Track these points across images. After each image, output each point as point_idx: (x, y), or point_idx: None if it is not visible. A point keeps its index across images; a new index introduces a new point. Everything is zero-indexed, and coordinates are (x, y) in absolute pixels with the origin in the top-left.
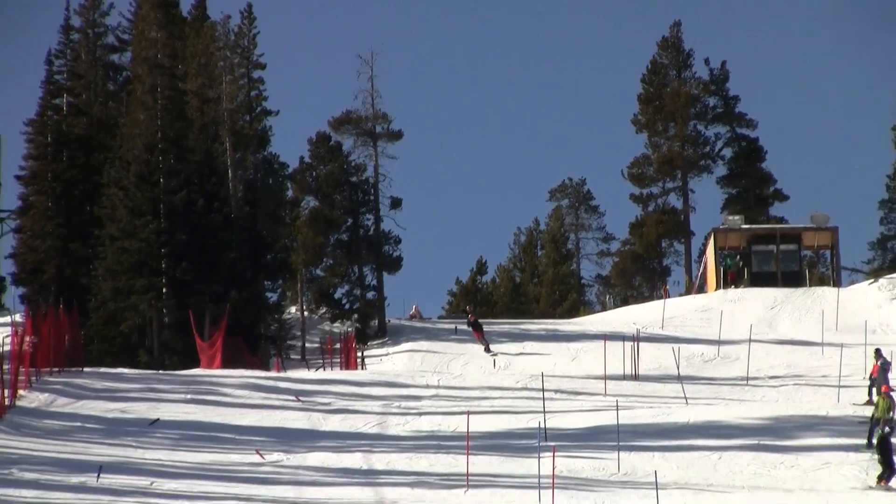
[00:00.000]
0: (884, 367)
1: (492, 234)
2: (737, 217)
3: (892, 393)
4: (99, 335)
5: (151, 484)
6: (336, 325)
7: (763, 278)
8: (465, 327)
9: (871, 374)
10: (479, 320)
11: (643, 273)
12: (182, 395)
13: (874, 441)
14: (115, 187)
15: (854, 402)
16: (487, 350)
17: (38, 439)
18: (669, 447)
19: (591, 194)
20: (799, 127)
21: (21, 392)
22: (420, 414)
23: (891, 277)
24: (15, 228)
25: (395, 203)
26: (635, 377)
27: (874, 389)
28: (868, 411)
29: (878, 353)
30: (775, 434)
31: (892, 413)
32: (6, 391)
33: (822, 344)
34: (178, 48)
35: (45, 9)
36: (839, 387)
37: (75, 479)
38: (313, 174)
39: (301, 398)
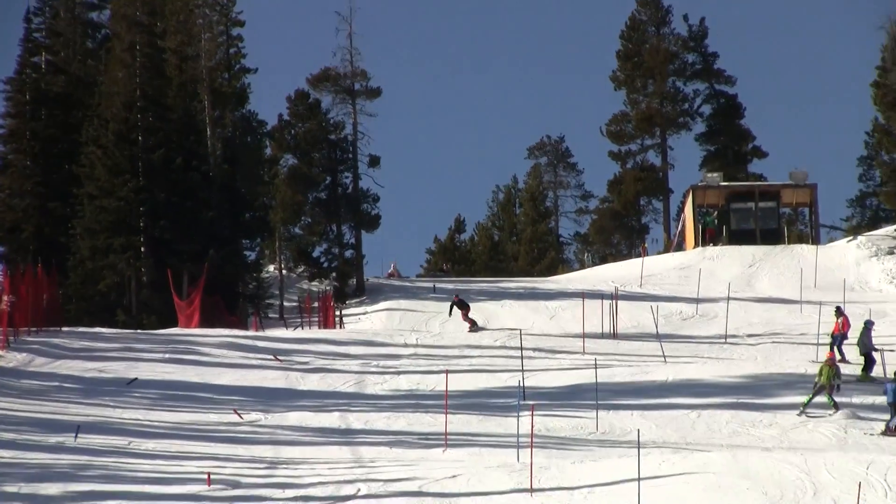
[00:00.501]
0: (867, 327)
1: (470, 193)
2: (715, 174)
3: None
4: (77, 294)
5: (129, 444)
6: (314, 283)
7: (742, 236)
8: (444, 294)
9: (832, 332)
10: (461, 298)
11: (622, 231)
12: (160, 355)
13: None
14: (94, 146)
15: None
16: (473, 328)
17: (15, 399)
18: (648, 406)
19: (569, 152)
20: (778, 84)
21: None
22: (398, 373)
23: (869, 235)
24: None
25: (374, 161)
26: (614, 335)
27: (836, 347)
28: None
29: (838, 310)
30: (754, 392)
31: (836, 380)
32: None
33: (800, 302)
34: (156, 5)
35: None
36: (818, 345)
37: (53, 438)
38: (292, 132)
39: (279, 357)
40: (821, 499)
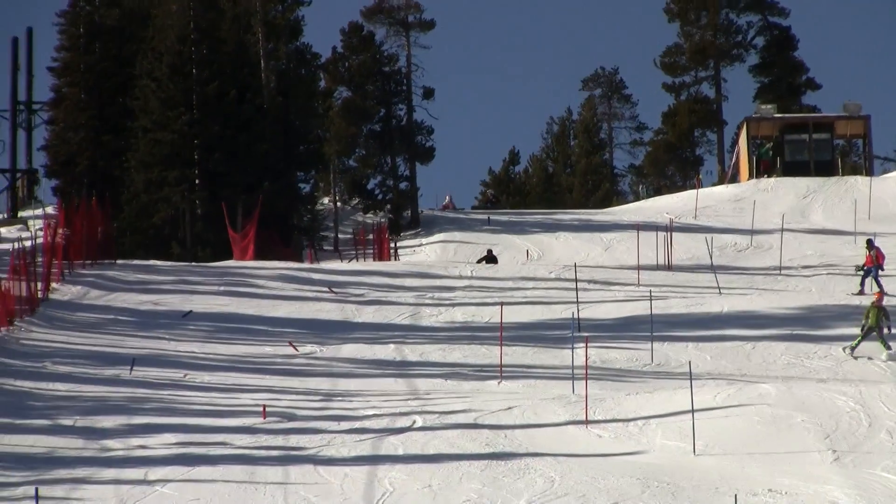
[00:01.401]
0: None
1: (524, 125)
2: (769, 106)
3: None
4: (131, 227)
5: (185, 376)
6: (369, 215)
7: (795, 167)
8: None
9: (863, 265)
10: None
11: (676, 162)
12: (215, 287)
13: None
14: (148, 79)
15: (847, 293)
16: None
17: (71, 332)
18: (703, 337)
19: (623, 84)
20: (831, 15)
21: (54, 285)
22: (453, 305)
23: None
24: (48, 120)
25: (428, 93)
26: (668, 267)
27: (867, 281)
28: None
29: (870, 243)
30: (808, 324)
31: (885, 321)
32: (39, 284)
33: (854, 233)
34: None
35: None
36: (882, 270)
37: (108, 371)
38: (346, 64)
39: (334, 290)
40: (875, 430)
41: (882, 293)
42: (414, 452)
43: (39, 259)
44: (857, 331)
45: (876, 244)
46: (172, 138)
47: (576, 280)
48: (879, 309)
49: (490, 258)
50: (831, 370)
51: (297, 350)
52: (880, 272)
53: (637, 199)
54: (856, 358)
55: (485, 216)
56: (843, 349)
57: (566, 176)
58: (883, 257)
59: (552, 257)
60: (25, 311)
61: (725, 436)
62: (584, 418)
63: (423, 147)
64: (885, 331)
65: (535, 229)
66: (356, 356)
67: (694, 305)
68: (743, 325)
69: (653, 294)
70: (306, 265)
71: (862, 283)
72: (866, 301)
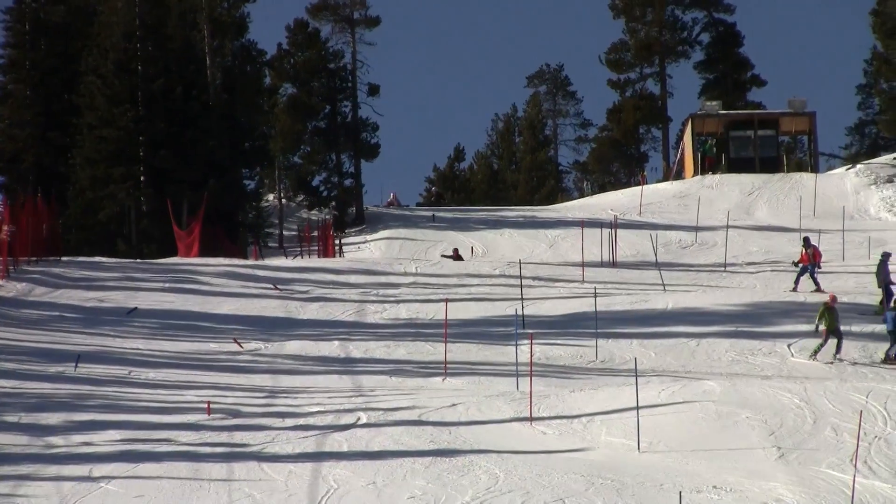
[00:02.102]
0: (884, 259)
1: (469, 121)
2: (714, 103)
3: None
4: (77, 224)
5: (129, 373)
6: (314, 212)
7: (741, 164)
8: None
9: (798, 261)
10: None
11: (621, 159)
12: (160, 284)
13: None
14: (94, 75)
15: (785, 290)
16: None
17: (15, 329)
18: (647, 334)
19: (568, 80)
20: (776, 12)
21: None
22: (398, 301)
23: (868, 163)
24: None
25: (373, 90)
26: (613, 264)
27: (801, 278)
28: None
29: (806, 241)
30: (753, 320)
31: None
32: None
33: (799, 230)
34: None
35: None
36: (820, 270)
37: (53, 368)
38: (291, 61)
39: (279, 286)
40: (820, 427)
41: (819, 290)
42: (358, 449)
43: None
44: (801, 327)
45: (813, 242)
46: (118, 135)
47: (520, 277)
48: (833, 310)
49: (456, 257)
50: (776, 367)
51: (241, 347)
52: (817, 270)
53: (582, 195)
54: (835, 361)
55: (430, 213)
56: (810, 357)
57: (511, 172)
58: (820, 256)
59: (497, 254)
60: None
61: (670, 433)
62: (528, 415)
63: (369, 144)
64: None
65: (480, 226)
66: (301, 353)
67: (638, 302)
68: (688, 321)
69: (597, 291)
70: (251, 262)
71: (797, 280)
72: (811, 298)
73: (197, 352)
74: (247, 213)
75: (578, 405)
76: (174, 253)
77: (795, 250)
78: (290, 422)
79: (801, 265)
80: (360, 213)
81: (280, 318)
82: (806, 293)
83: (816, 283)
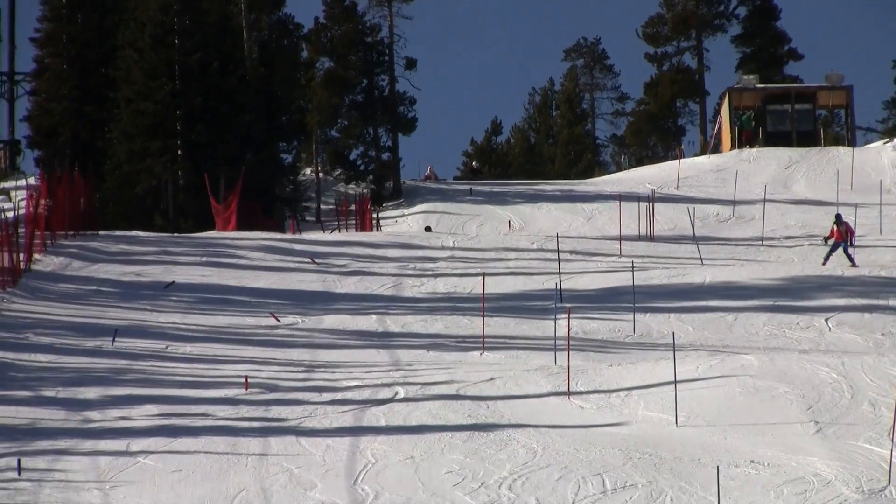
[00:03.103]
0: None
1: (507, 95)
2: (751, 76)
3: None
4: (114, 198)
5: (167, 347)
6: (351, 186)
7: (778, 138)
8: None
9: (829, 237)
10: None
11: (658, 133)
12: (197, 258)
13: None
14: (130, 49)
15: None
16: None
17: (53, 303)
18: (685, 308)
19: (605, 54)
20: None
21: (36, 256)
22: (435, 276)
23: None
24: (30, 91)
25: (410, 64)
26: (650, 238)
27: (833, 254)
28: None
29: (838, 218)
30: (791, 294)
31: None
32: (21, 255)
33: (836, 203)
34: None
35: None
36: (854, 246)
37: (91, 343)
38: (328, 35)
39: (316, 260)
40: (858, 401)
41: (854, 265)
42: (396, 424)
43: (22, 230)
44: (839, 301)
45: (844, 219)
46: (155, 109)
47: (558, 251)
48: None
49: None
50: (814, 341)
51: (279, 321)
52: (850, 246)
53: (619, 169)
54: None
55: (467, 187)
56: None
57: (548, 146)
58: (853, 232)
59: (534, 228)
60: (7, 283)
61: (708, 407)
62: (566, 389)
63: (406, 118)
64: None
65: (518, 200)
66: (338, 327)
67: (676, 276)
68: (725, 296)
69: (635, 265)
70: (288, 236)
71: (827, 256)
72: (848, 272)
73: (234, 326)
74: (284, 187)
75: (616, 379)
76: (211, 227)
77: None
78: (327, 396)
79: (833, 241)
80: (397, 187)
81: (317, 293)
82: (843, 267)
83: (851, 259)
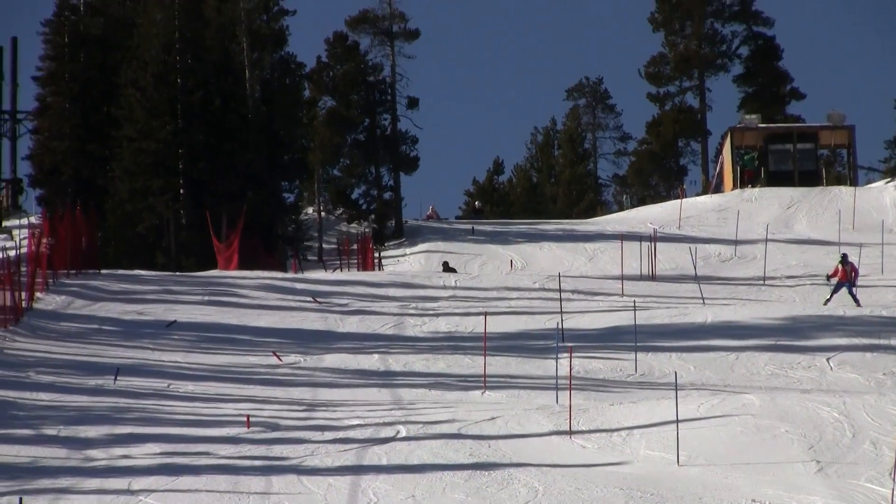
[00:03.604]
0: None
1: (509, 134)
2: (753, 116)
3: None
4: (116, 236)
5: (169, 386)
6: (353, 225)
7: (780, 177)
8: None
9: (832, 275)
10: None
11: (660, 172)
12: (199, 297)
13: None
14: (132, 87)
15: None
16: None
17: (54, 342)
18: (686, 348)
19: (607, 93)
20: (816, 25)
21: (38, 294)
22: (437, 315)
23: None
24: (32, 129)
25: (412, 103)
26: (652, 277)
27: (836, 294)
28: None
29: (844, 258)
30: (792, 334)
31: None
32: (23, 293)
33: (838, 243)
34: None
35: None
36: (856, 286)
37: (92, 381)
38: (330, 74)
39: (318, 299)
40: (859, 441)
41: (858, 306)
42: (398, 462)
43: (23, 268)
44: (841, 341)
45: (850, 260)
46: (157, 147)
47: (559, 290)
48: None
49: (448, 269)
50: (815, 381)
51: (280, 360)
52: (854, 287)
53: (621, 209)
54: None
55: (469, 226)
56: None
57: (550, 186)
58: (857, 274)
59: (536, 267)
60: (9, 321)
61: (709, 446)
62: (567, 429)
63: (408, 157)
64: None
65: (519, 239)
66: (340, 366)
67: (678, 316)
68: (727, 335)
69: (637, 304)
70: (290, 275)
71: (831, 296)
72: (850, 312)
73: (236, 365)
74: (286, 225)
75: (618, 419)
76: (213, 265)
77: (835, 264)
78: (329, 435)
79: (838, 281)
80: (399, 227)
81: (319, 332)
82: (845, 307)
83: (856, 300)
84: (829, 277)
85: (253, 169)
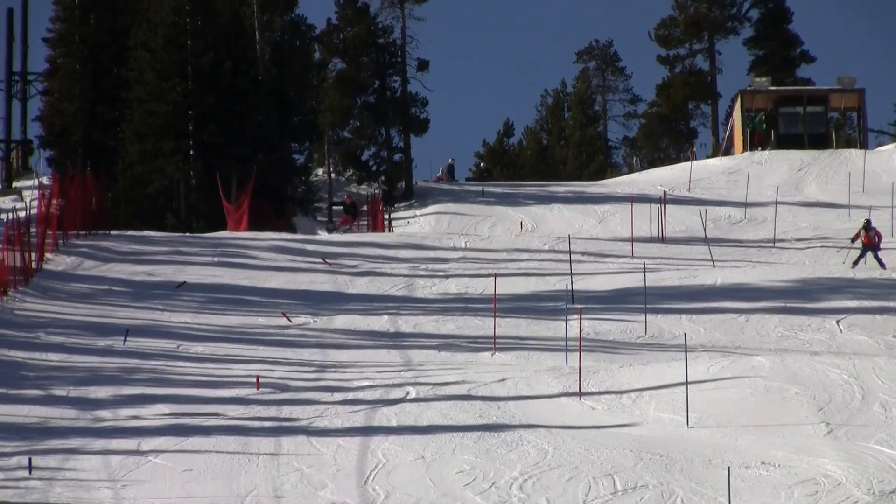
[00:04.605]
0: None
1: (518, 97)
2: (763, 79)
3: None
4: (126, 198)
5: (178, 347)
6: (363, 187)
7: (790, 140)
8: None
9: (854, 238)
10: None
11: (670, 135)
12: (209, 258)
13: None
14: (143, 50)
15: (843, 263)
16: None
17: (64, 303)
18: (696, 309)
19: (617, 56)
20: None
21: (48, 255)
22: (447, 276)
23: None
24: (42, 91)
25: (422, 65)
26: (662, 239)
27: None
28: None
29: (867, 223)
30: (802, 296)
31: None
32: (33, 254)
33: (848, 206)
34: None
35: None
36: (880, 250)
37: (102, 342)
38: (340, 36)
39: (328, 260)
40: (869, 403)
41: (883, 268)
42: (407, 424)
43: (34, 229)
44: (850, 303)
45: (873, 225)
46: (167, 109)
47: (569, 252)
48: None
49: (350, 206)
50: (825, 343)
51: (290, 321)
52: (878, 250)
53: (631, 171)
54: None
55: (479, 188)
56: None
57: (560, 148)
58: (881, 238)
59: (546, 229)
60: (19, 282)
61: (719, 408)
62: (577, 390)
63: (418, 119)
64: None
65: (530, 201)
66: (350, 327)
67: (687, 278)
68: (736, 297)
69: (646, 266)
70: (300, 236)
71: (857, 261)
72: (860, 275)
73: (245, 326)
74: (296, 187)
75: (627, 380)
76: (223, 227)
77: (844, 226)
78: (338, 396)
79: (863, 245)
80: (409, 188)
81: (329, 293)
82: (855, 270)
83: (881, 263)
84: (852, 241)
85: (263, 131)
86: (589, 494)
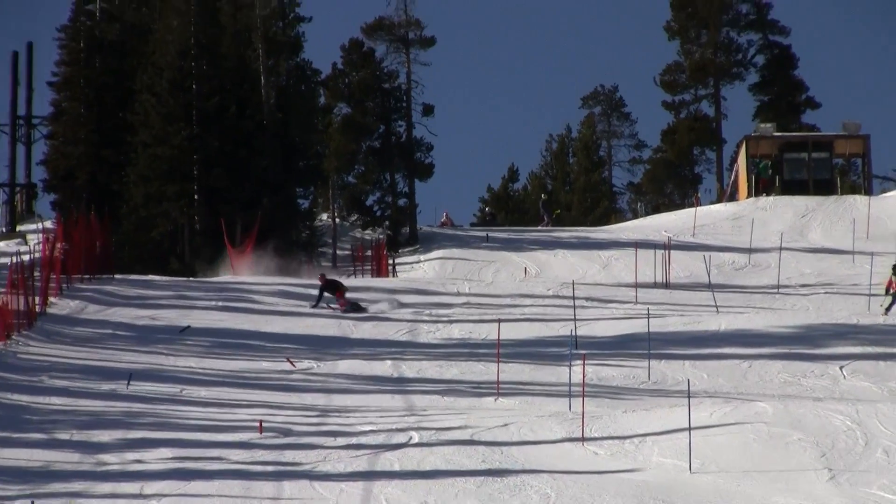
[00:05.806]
0: None
1: (524, 142)
2: (768, 124)
3: None
4: (130, 242)
5: (182, 391)
6: (367, 232)
7: (794, 186)
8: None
9: (888, 287)
10: (329, 279)
11: (675, 180)
12: (212, 303)
13: None
14: (148, 93)
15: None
16: (354, 309)
17: (68, 346)
18: (700, 355)
19: (623, 101)
20: (831, 35)
21: (52, 299)
22: (451, 321)
23: None
24: (47, 135)
25: (428, 110)
26: (666, 285)
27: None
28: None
29: (895, 268)
30: (805, 342)
31: None
32: (37, 298)
33: (852, 252)
34: None
35: None
36: (869, 295)
37: (105, 386)
38: (346, 81)
39: (332, 305)
40: (872, 449)
41: None
42: (410, 468)
43: (37, 273)
44: (854, 349)
45: None
46: (172, 153)
47: (573, 297)
48: None
49: (329, 285)
50: (828, 389)
51: (294, 366)
52: None
53: (635, 216)
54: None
55: (483, 233)
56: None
57: (565, 193)
58: None
59: (550, 274)
60: (23, 325)
61: (722, 454)
62: (580, 435)
63: (423, 163)
64: None
65: (534, 246)
66: (353, 372)
67: (691, 323)
68: (740, 343)
69: (650, 312)
70: (304, 281)
71: (890, 307)
72: (863, 320)
73: (249, 370)
74: (300, 232)
75: (630, 426)
76: (227, 271)
77: (848, 272)
78: (341, 441)
79: (893, 292)
80: (413, 233)
81: (332, 338)
82: (858, 315)
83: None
84: (887, 291)
85: (268, 175)
86: None
